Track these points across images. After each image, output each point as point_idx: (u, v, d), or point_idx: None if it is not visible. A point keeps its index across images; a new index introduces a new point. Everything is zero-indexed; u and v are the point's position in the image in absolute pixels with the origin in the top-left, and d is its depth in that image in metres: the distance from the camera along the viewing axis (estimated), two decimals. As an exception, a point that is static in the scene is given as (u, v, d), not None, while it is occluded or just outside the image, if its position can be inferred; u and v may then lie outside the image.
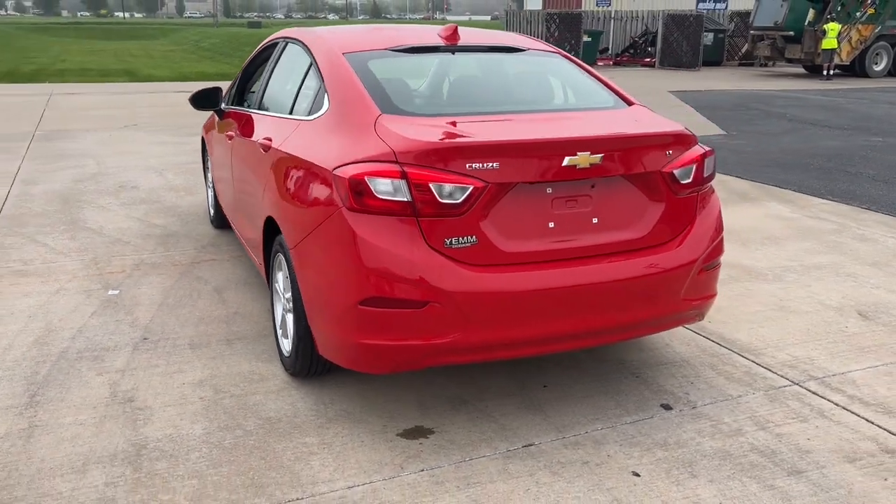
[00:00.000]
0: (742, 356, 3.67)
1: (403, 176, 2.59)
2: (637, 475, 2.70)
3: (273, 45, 4.28)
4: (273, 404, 3.13)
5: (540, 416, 3.08)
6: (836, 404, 3.22)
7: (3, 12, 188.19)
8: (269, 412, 3.07)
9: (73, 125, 10.78)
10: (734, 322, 4.08)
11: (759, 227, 5.94)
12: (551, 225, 2.79)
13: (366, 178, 2.61)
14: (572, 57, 3.73)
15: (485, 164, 2.63)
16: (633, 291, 2.86)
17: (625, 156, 2.84)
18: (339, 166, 2.72)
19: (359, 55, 3.32)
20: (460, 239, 2.65)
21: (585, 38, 23.42)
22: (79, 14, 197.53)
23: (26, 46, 34.48)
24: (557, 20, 22.90)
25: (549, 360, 3.56)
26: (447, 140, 2.66)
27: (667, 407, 3.18)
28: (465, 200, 2.62)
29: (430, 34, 3.62)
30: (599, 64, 24.75)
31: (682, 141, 3.00)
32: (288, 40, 4.02)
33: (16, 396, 3.16)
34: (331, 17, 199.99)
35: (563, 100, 3.45)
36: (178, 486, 2.58)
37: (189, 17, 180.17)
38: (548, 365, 3.52)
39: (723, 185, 7.39)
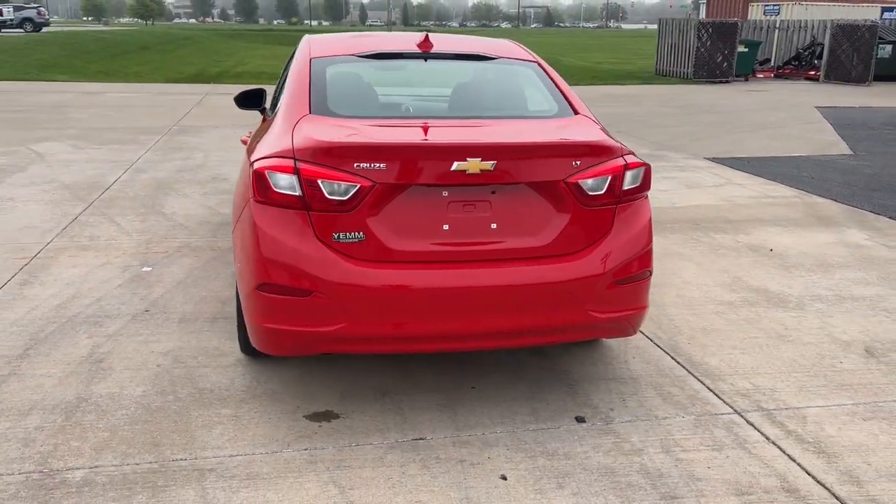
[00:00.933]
0: (698, 380, 3.53)
1: (296, 172, 2.79)
2: (504, 479, 2.73)
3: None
4: (215, 377, 3.43)
5: (448, 414, 3.16)
6: (767, 438, 3.05)
7: (209, 20, 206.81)
8: (206, 384, 3.37)
9: (207, 122, 11.84)
10: (716, 346, 3.91)
11: (817, 254, 5.55)
12: (446, 227, 2.87)
13: (266, 172, 2.83)
14: (546, 67, 3.75)
15: (372, 165, 2.77)
16: (527, 298, 2.88)
17: (523, 164, 2.87)
18: (255, 160, 2.96)
19: (323, 60, 3.55)
20: (348, 234, 2.81)
21: (741, 49, 22.27)
22: (274, 22, 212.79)
23: (218, 50, 37.60)
24: (710, 29, 21.94)
25: (489, 362, 3.61)
26: (338, 140, 2.82)
27: (580, 420, 3.15)
28: (352, 198, 2.78)
29: (410, 42, 3.79)
30: (758, 76, 23.45)
31: (595, 152, 2.97)
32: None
33: (14, 349, 3.67)
34: (503, 25, 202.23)
35: (500, 108, 3.51)
36: (91, 435, 2.93)
37: (371, 24, 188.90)
38: (486, 367, 3.57)
39: (807, 207, 6.95)
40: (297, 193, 2.79)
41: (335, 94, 3.32)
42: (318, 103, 3.20)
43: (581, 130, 3.13)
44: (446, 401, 3.27)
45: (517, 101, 3.55)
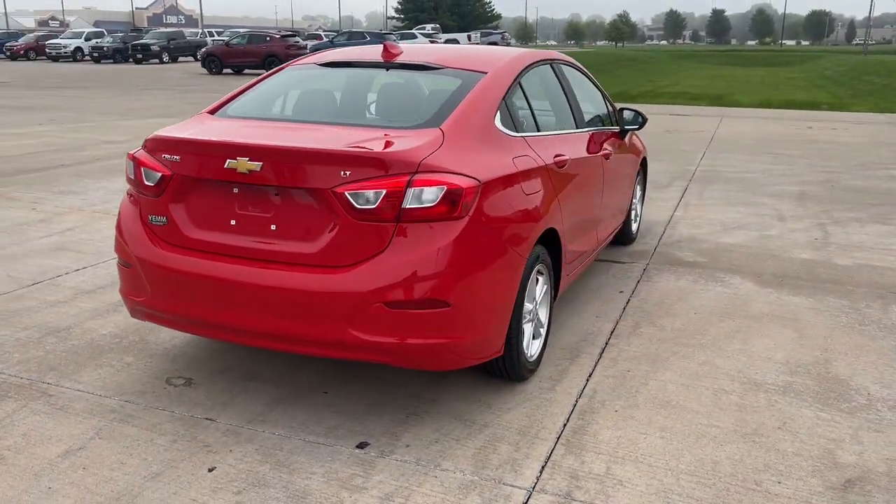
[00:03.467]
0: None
1: (134, 159, 3.22)
2: (210, 470, 2.79)
3: None
4: (122, 331, 4.01)
5: (265, 408, 3.26)
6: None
7: (679, 41, 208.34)
8: (111, 332, 3.97)
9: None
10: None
11: None
12: (233, 223, 3.00)
13: (127, 160, 3.31)
14: (480, 82, 3.47)
15: (171, 156, 3.05)
16: (287, 304, 2.85)
17: (289, 168, 2.84)
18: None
19: (296, 66, 3.91)
20: (156, 217, 3.14)
21: None
22: (747, 43, 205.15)
23: (660, 71, 38.14)
24: None
25: (366, 374, 3.54)
26: (156, 133, 3.15)
27: (361, 445, 2.97)
28: (157, 184, 3.10)
29: (376, 52, 3.89)
30: None
31: (368, 164, 2.77)
32: None
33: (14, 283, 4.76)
34: None
35: (374, 115, 3.44)
36: None
37: (857, 44, 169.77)
38: (360, 377, 3.52)
39: None
40: (132, 177, 3.22)
41: (254, 97, 3.62)
42: (232, 105, 3.55)
43: (382, 143, 2.93)
44: (278, 396, 3.35)
45: (400, 110, 3.42)
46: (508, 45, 50.04)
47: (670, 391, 3.45)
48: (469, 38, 46.11)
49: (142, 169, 3.14)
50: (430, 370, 3.10)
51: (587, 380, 3.56)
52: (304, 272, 2.84)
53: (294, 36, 34.45)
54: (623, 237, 5.77)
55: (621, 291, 4.85)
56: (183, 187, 3.07)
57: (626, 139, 5.32)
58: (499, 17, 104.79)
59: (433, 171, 2.80)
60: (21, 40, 45.26)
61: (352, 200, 2.76)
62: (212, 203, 3.03)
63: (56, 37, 46.03)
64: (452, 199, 2.79)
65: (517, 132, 3.46)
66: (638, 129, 5.21)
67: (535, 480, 2.75)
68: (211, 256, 3.01)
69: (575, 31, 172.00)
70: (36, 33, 48.86)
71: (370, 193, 2.75)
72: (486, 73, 3.53)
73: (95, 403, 3.27)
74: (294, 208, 2.89)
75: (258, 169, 2.86)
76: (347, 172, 2.78)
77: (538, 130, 3.75)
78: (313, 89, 3.75)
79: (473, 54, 3.90)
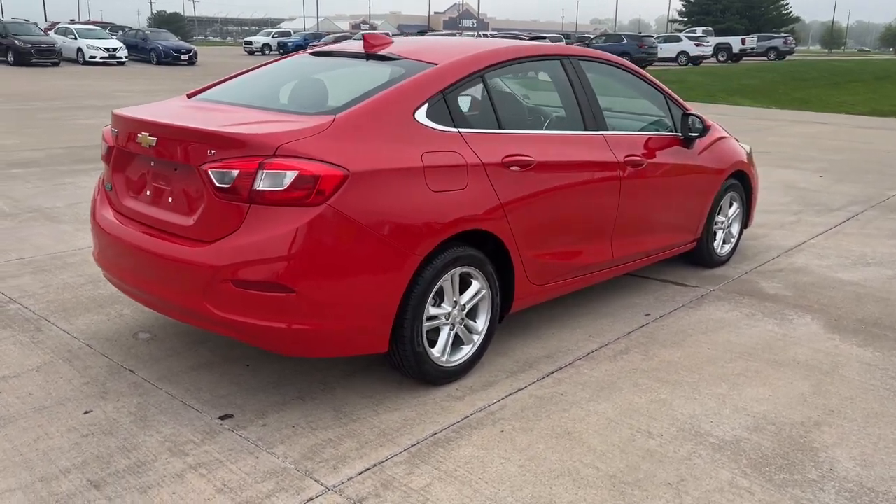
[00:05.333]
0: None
1: (103, 132, 3.62)
2: (87, 413, 3.10)
3: None
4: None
5: (193, 374, 3.51)
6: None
7: None
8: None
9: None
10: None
11: None
12: (148, 193, 3.26)
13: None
14: (418, 74, 3.37)
15: (113, 130, 3.39)
16: (166, 273, 3.04)
17: (171, 144, 3.02)
18: None
19: (300, 54, 4.14)
20: (108, 184, 3.50)
21: None
22: None
23: None
24: None
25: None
26: (115, 110, 3.50)
27: (224, 417, 3.09)
28: (106, 154, 3.46)
29: (357, 44, 3.95)
30: None
31: (228, 144, 2.84)
32: None
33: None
34: None
35: (297, 101, 3.47)
36: None
37: None
38: (286, 357, 3.63)
39: None
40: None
41: (234, 81, 3.87)
42: (207, 88, 3.84)
43: (255, 126, 2.98)
44: (204, 362, 3.57)
45: (321, 97, 3.42)
46: (791, 50, 45.71)
47: (584, 423, 3.11)
48: (743, 41, 42.90)
49: (102, 142, 3.53)
50: (297, 356, 3.10)
51: (507, 396, 3.32)
52: (180, 244, 3.01)
53: (649, 37, 36.01)
54: (700, 258, 5.17)
55: (647, 314, 4.39)
56: (120, 158, 3.39)
57: (700, 148, 4.77)
58: (796, 20, 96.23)
59: (290, 156, 2.81)
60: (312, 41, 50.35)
61: (214, 178, 2.88)
62: (136, 174, 3.32)
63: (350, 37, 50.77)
64: (305, 185, 2.79)
65: (454, 127, 3.32)
66: (698, 137, 4.65)
67: (343, 481, 2.66)
68: (131, 223, 3.30)
69: (894, 37, 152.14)
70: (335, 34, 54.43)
71: (227, 173, 2.84)
72: (435, 64, 3.42)
73: (63, 343, 3.74)
74: (183, 183, 3.07)
75: (154, 143, 3.08)
76: (213, 151, 2.90)
77: (500, 128, 3.55)
78: (278, 75, 3.91)
79: (443, 47, 3.78)
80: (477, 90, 3.54)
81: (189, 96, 3.79)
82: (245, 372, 3.46)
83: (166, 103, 3.62)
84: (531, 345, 3.87)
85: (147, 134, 3.12)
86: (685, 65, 37.13)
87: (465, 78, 3.45)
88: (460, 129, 3.34)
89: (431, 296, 3.19)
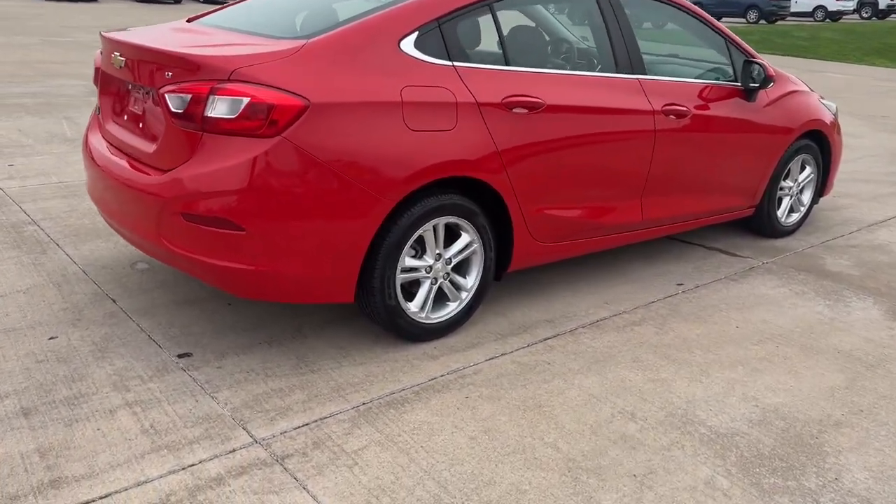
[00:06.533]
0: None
1: None
2: (51, 339, 3.06)
3: None
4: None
5: (172, 310, 3.43)
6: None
7: None
8: None
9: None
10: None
11: None
12: (125, 118, 3.14)
13: None
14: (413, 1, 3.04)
15: (101, 53, 3.27)
16: (128, 202, 2.92)
17: (136, 66, 2.86)
18: None
19: None
20: (98, 108, 3.41)
21: None
22: None
23: None
24: None
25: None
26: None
27: (183, 355, 2.98)
28: (95, 77, 3.36)
29: None
30: None
31: (184, 66, 2.64)
32: None
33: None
34: None
35: (278, 26, 3.16)
36: None
37: None
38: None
39: None
40: (97, 76, 3.53)
41: (233, 8, 3.66)
42: (209, 13, 3.66)
43: (216, 48, 2.75)
44: (188, 298, 3.47)
45: (302, 22, 3.12)
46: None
47: (561, 397, 2.80)
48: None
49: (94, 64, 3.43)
50: (253, 299, 2.91)
51: (486, 360, 3.05)
52: (141, 172, 2.87)
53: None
54: (760, 227, 4.65)
55: (679, 284, 3.97)
56: (104, 80, 3.28)
57: (765, 101, 4.23)
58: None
59: (245, 82, 2.59)
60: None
61: (169, 102, 2.70)
62: (116, 97, 3.19)
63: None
64: (257, 114, 2.56)
65: (448, 60, 3.00)
66: (759, 88, 4.10)
67: (275, 435, 2.49)
68: (111, 150, 3.19)
69: None
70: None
71: (182, 97, 2.66)
72: None
73: (61, 267, 3.73)
74: (149, 107, 2.92)
75: (123, 65, 2.93)
76: (170, 74, 2.72)
77: (507, 65, 3.19)
78: (287, 1, 3.65)
79: None
80: (485, 20, 3.19)
81: (189, 21, 3.63)
82: (225, 311, 3.34)
83: (157, 27, 3.47)
84: (535, 307, 3.56)
85: (118, 54, 2.97)
86: (822, 20, 34.29)
87: (469, 6, 3.11)
88: (455, 63, 3.02)
89: (408, 245, 2.93)
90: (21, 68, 10.09)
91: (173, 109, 2.68)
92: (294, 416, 2.59)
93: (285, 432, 2.50)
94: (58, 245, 4.00)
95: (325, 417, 2.60)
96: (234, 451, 2.39)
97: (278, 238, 2.65)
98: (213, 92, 2.59)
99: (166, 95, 2.70)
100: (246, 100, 2.56)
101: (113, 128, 3.20)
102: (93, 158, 3.21)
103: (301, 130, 2.60)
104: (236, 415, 2.58)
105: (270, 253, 2.66)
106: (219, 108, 2.59)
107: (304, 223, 2.67)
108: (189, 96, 2.63)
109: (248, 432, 2.49)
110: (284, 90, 2.60)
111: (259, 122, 2.57)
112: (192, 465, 2.31)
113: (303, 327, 3.23)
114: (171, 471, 2.27)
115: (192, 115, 2.63)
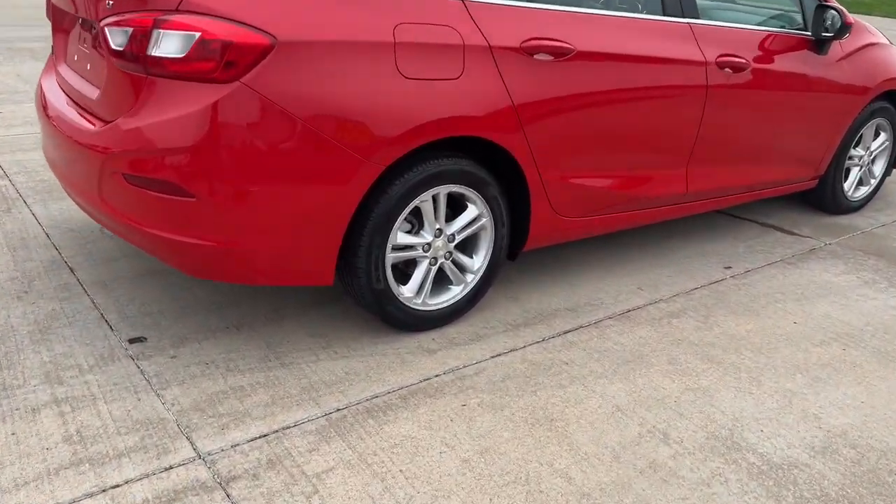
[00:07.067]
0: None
1: None
2: (21, 297, 2.65)
3: None
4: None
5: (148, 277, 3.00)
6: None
7: None
8: None
9: None
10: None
11: None
12: (75, 58, 2.67)
13: None
14: None
15: None
16: (71, 155, 2.47)
17: None
18: None
19: None
20: (52, 49, 2.94)
21: None
22: None
23: None
24: None
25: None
26: None
27: (135, 340, 2.54)
28: (46, 12, 2.89)
29: None
30: None
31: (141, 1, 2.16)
32: None
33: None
34: None
35: None
36: None
37: None
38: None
39: None
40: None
41: None
42: None
43: None
44: (160, 269, 3.04)
45: None
46: None
47: (580, 408, 2.31)
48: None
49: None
50: (208, 279, 2.41)
51: (492, 357, 2.56)
52: (84, 120, 2.40)
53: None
54: (822, 201, 4.06)
55: (728, 267, 3.41)
56: (57, 16, 2.81)
57: (838, 55, 3.61)
58: None
59: (196, 13, 2.09)
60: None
61: (109, 38, 2.21)
62: (66, 35, 2.73)
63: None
64: (210, 53, 2.07)
65: (457, -7, 2.46)
66: (833, 38, 3.47)
67: (224, 448, 2.04)
68: (60, 85, 2.74)
69: None
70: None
71: (123, 31, 2.17)
72: None
73: (24, 227, 3.32)
74: (97, 46, 2.44)
75: (70, -7, 2.45)
76: (111, 3, 2.22)
77: (529, 0, 2.64)
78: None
79: None
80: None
81: None
82: (196, 286, 2.89)
83: None
84: (556, 291, 3.05)
85: (65, -18, 2.49)
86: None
87: (485, -72, 2.54)
88: (465, -2, 2.47)
89: (402, 219, 2.44)
90: (38, 11, 9.71)
91: (113, 47, 2.19)
92: (251, 424, 2.14)
93: (237, 445, 2.05)
94: (25, 202, 3.58)
95: (289, 427, 2.14)
96: (170, 468, 1.95)
97: (235, 207, 2.17)
98: (156, 25, 2.09)
99: (106, 29, 2.21)
100: (196, 35, 2.06)
101: (65, 70, 2.74)
102: (44, 108, 2.75)
103: (265, 75, 2.10)
104: (182, 419, 2.14)
105: (226, 225, 2.19)
106: (164, 46, 2.09)
107: (267, 189, 2.18)
108: (130, 30, 2.13)
109: (192, 444, 2.05)
110: (245, 24, 2.09)
111: (213, 63, 2.07)
112: (115, 486, 1.88)
113: (282, 308, 2.77)
114: (88, 493, 1.84)
115: (135, 54, 2.14)
